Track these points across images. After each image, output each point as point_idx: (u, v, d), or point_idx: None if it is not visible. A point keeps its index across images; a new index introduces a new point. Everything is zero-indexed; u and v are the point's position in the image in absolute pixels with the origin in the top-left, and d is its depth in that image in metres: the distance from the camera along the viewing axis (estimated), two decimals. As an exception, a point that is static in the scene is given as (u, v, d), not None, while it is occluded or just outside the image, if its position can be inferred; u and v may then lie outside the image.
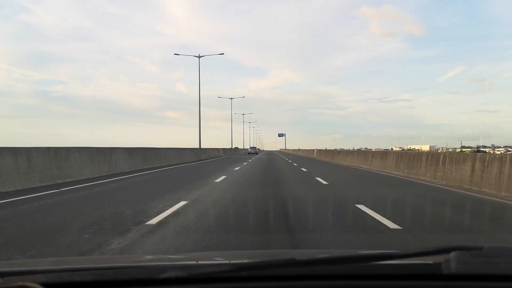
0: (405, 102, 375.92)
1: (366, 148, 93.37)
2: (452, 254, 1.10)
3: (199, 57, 38.99)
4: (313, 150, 49.98)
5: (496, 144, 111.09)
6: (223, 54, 41.20)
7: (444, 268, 1.10)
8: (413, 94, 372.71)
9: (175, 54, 40.18)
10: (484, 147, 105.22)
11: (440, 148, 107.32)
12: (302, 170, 17.88)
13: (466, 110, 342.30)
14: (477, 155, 10.81)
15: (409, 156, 15.41)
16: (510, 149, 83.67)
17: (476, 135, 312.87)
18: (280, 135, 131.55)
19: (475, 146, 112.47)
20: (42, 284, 0.98)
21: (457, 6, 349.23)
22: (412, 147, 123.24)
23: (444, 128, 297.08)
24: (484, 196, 8.79)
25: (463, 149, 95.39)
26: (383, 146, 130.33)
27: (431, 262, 1.20)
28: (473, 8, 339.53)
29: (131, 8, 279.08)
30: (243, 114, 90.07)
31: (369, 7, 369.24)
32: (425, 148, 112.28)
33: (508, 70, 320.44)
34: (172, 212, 6.19)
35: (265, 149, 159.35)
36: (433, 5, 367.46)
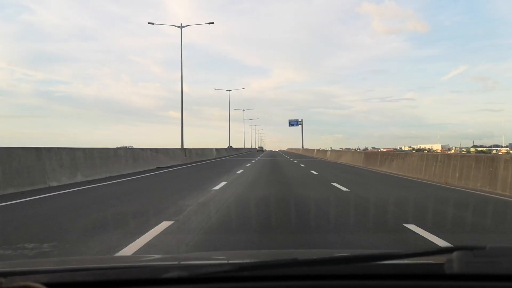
0: (407, 101, 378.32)
1: (373, 148, 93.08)
2: (455, 254, 1.15)
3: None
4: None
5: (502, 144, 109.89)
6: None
7: (446, 268, 1.15)
8: (415, 93, 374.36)
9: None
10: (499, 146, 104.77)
11: (453, 148, 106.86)
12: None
13: (469, 109, 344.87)
14: None
15: None
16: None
17: (479, 134, 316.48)
18: (293, 123, 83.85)
19: (489, 146, 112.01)
20: (44, 284, 1.02)
21: (459, 5, 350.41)
22: (422, 146, 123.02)
23: (447, 127, 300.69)
24: None
25: (477, 149, 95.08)
26: (386, 145, 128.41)
27: (434, 262, 1.26)
28: (476, 7, 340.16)
29: (133, 7, 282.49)
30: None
31: (369, 3, 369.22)
32: (437, 147, 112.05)
33: (511, 69, 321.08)
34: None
35: (266, 149, 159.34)
36: (435, 4, 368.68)
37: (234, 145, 78.17)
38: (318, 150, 52.47)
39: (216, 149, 43.89)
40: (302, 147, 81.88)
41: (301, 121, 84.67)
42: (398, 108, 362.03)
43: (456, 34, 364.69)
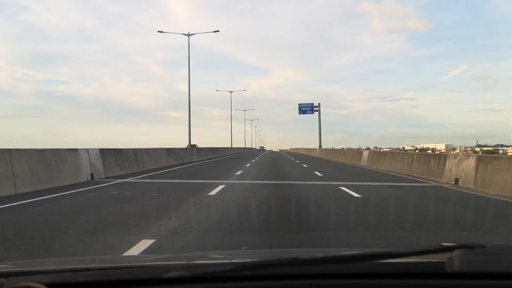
0: (408, 101, 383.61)
1: (375, 147, 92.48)
2: (455, 252, 1.16)
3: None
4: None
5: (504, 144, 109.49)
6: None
7: (447, 267, 1.17)
8: (416, 93, 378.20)
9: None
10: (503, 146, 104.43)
11: (458, 148, 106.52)
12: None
13: (470, 109, 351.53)
14: None
15: None
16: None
17: (480, 134, 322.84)
18: (305, 109, 55.68)
19: (493, 145, 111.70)
20: (45, 284, 1.04)
21: (460, 4, 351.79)
22: (425, 146, 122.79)
23: (448, 127, 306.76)
24: None
25: (482, 148, 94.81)
26: (386, 145, 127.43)
27: (434, 261, 1.28)
28: (476, 6, 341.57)
29: (133, 7, 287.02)
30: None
31: (369, 2, 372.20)
32: (440, 147, 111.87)
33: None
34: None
35: (266, 149, 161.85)
36: (435, 3, 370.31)
37: (233, 144, 71.29)
38: (392, 154, 21.13)
39: (104, 150, 15.19)
40: (320, 145, 53.96)
41: (318, 106, 55.41)
42: (398, 108, 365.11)
43: (456, 33, 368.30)
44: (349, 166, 23.97)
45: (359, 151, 29.58)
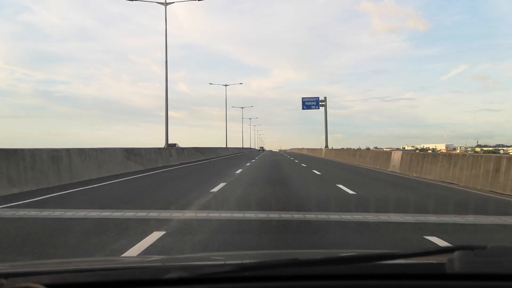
0: (407, 101, 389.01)
1: (376, 147, 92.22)
2: (456, 253, 1.16)
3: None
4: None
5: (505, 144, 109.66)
6: None
7: (447, 268, 1.17)
8: (415, 93, 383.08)
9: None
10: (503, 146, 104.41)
11: (458, 148, 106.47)
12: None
13: (469, 109, 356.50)
14: None
15: None
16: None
17: (479, 134, 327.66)
18: (310, 104, 49.25)
19: (494, 145, 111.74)
20: (46, 285, 1.05)
21: (459, 4, 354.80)
22: (426, 146, 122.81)
23: (447, 127, 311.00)
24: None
25: (483, 149, 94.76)
26: (386, 145, 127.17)
27: (435, 262, 1.29)
28: (476, 6, 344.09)
29: (133, 7, 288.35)
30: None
31: (368, 2, 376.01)
32: (441, 147, 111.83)
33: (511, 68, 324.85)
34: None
35: (266, 149, 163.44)
36: (435, 3, 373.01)
37: (231, 144, 68.62)
38: (450, 156, 14.19)
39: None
40: (326, 145, 48.62)
41: (324, 100, 49.30)
42: (398, 108, 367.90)
43: (456, 33, 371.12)
44: (379, 174, 17.62)
45: (385, 152, 23.53)
